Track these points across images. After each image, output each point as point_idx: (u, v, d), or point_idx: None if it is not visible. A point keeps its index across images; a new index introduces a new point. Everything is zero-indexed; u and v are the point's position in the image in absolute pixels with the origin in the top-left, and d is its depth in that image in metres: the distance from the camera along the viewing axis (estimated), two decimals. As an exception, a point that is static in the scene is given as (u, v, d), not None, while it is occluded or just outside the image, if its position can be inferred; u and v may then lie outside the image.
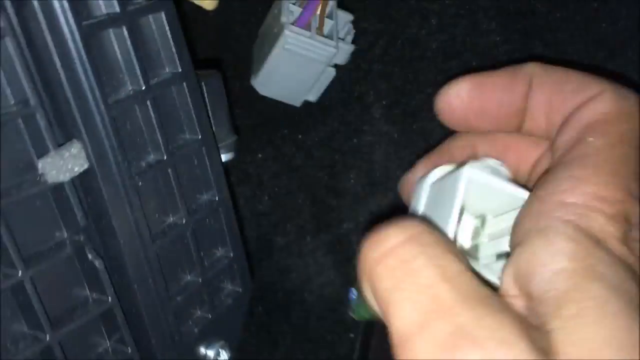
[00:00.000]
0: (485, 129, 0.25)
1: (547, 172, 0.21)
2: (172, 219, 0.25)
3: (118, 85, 0.22)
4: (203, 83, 0.28)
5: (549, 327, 0.18)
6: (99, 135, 0.21)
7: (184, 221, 0.25)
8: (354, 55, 0.38)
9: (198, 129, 0.25)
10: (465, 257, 0.19)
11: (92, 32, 0.21)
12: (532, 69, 0.24)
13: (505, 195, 0.20)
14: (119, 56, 0.22)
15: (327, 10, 0.30)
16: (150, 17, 0.23)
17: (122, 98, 0.22)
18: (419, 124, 0.40)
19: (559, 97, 0.23)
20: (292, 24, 0.29)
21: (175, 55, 0.23)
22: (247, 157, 0.39)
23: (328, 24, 0.30)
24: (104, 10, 0.21)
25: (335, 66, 0.34)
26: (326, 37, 0.30)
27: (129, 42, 0.22)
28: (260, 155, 0.40)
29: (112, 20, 0.21)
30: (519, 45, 0.40)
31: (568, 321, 0.18)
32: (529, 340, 0.17)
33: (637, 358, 0.17)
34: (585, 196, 0.20)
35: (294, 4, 0.30)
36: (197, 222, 0.25)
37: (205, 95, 0.28)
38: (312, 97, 0.34)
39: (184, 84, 0.24)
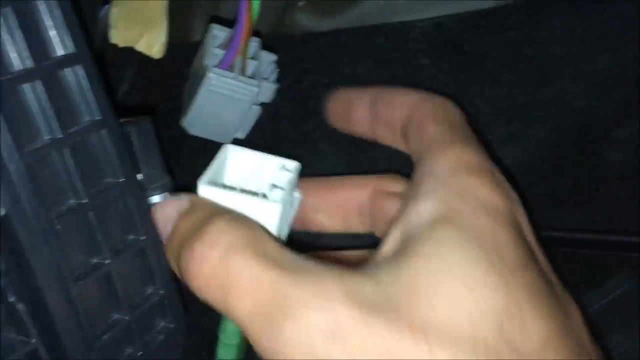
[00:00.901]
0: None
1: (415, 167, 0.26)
2: (96, 259, 0.26)
3: (34, 135, 0.23)
4: (132, 128, 0.29)
5: (402, 264, 0.20)
6: (14, 183, 0.22)
7: (108, 262, 0.26)
8: (287, 93, 0.39)
9: (121, 173, 0.26)
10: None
11: (7, 87, 0.22)
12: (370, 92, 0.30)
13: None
14: (36, 107, 0.23)
15: (250, 51, 0.32)
16: (68, 69, 0.24)
17: (38, 147, 0.23)
18: (361, 154, 0.41)
19: (390, 106, 0.29)
20: (216, 66, 0.31)
21: (94, 104, 0.25)
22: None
23: (251, 64, 0.32)
24: (19, 66, 0.23)
25: (262, 104, 0.36)
26: (249, 77, 0.31)
27: (45, 95, 0.23)
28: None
29: (28, 75, 0.23)
30: (452, 79, 0.42)
31: (420, 260, 0.20)
32: (351, 291, 0.19)
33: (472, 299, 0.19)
34: (448, 168, 0.24)
35: (217, 47, 0.32)
36: (122, 262, 0.26)
37: (136, 139, 0.30)
38: (240, 135, 0.36)
39: (104, 130, 0.25)
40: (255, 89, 0.30)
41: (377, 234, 0.30)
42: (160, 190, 0.31)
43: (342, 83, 0.44)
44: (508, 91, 0.42)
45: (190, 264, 0.22)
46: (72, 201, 0.24)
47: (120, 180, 0.26)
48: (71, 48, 0.24)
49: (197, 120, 0.31)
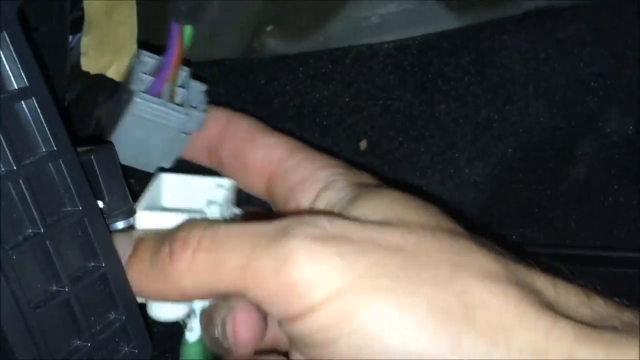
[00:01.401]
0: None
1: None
2: (55, 287, 0.26)
3: (-12, 168, 0.24)
4: (94, 156, 0.30)
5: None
6: (-33, 215, 0.22)
7: (67, 289, 0.26)
8: (255, 114, 0.40)
9: (78, 201, 0.26)
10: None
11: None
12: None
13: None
14: (-12, 141, 0.24)
15: (180, 80, 0.31)
16: (22, 102, 0.25)
17: (-7, 179, 0.23)
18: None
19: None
20: (144, 91, 0.30)
21: (50, 135, 0.25)
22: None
23: (180, 92, 0.31)
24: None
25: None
26: (178, 104, 0.31)
27: (-3, 128, 0.24)
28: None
29: (-19, 109, 0.23)
30: (417, 99, 0.43)
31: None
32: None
33: None
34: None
35: (144, 73, 0.31)
36: (82, 289, 0.27)
37: (98, 167, 0.30)
38: (166, 163, 0.34)
39: (60, 160, 0.26)
40: (183, 116, 0.30)
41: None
42: (124, 216, 0.31)
43: (310, 105, 0.45)
44: (473, 109, 0.43)
45: (171, 267, 0.25)
46: (29, 231, 0.25)
47: (79, 208, 0.26)
48: (25, 81, 0.24)
49: (120, 146, 0.31)
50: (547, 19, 0.42)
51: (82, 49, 0.45)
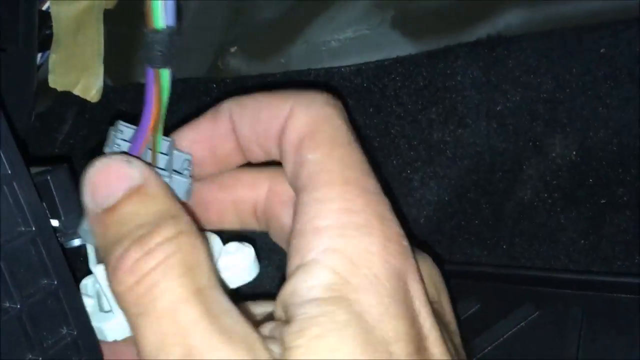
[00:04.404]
0: (214, 172, 0.27)
1: (296, 202, 0.23)
2: (7, 304, 0.27)
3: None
4: (49, 176, 0.31)
5: (293, 344, 0.20)
6: None
7: (19, 306, 0.27)
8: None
9: (32, 222, 0.28)
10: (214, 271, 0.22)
11: None
12: (228, 106, 0.26)
13: None
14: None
15: (164, 147, 0.28)
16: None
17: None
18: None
19: (259, 126, 0.25)
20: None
21: (4, 159, 0.27)
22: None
23: (163, 158, 0.27)
24: None
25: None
26: (160, 168, 0.27)
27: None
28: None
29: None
30: (372, 121, 0.45)
31: (310, 340, 0.20)
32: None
33: None
34: (333, 215, 0.22)
35: (123, 139, 0.28)
36: (34, 306, 0.28)
37: (53, 186, 0.31)
38: None
39: (14, 183, 0.27)
40: (165, 180, 0.26)
41: (272, 237, 0.29)
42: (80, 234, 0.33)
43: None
44: (427, 132, 0.45)
45: (119, 267, 0.22)
46: (-18, 251, 0.26)
47: (32, 229, 0.28)
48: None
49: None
50: (498, 47, 0.44)
51: (50, 66, 0.47)
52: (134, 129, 0.27)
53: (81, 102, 0.49)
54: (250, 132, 0.26)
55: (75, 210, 0.32)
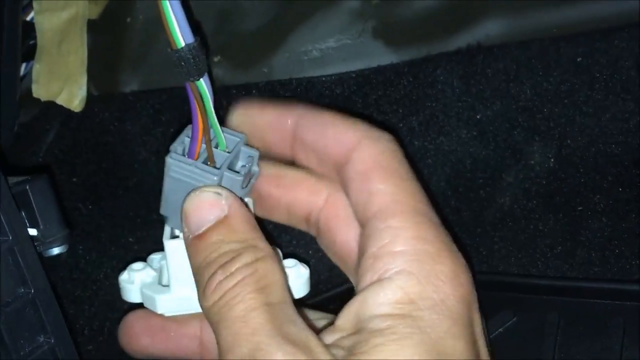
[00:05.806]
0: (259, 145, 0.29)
1: (367, 226, 0.26)
2: (-16, 312, 0.28)
3: None
4: (28, 186, 0.32)
5: (355, 351, 0.23)
6: None
7: (-4, 314, 0.28)
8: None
9: (9, 231, 0.28)
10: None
11: None
12: (300, 109, 0.29)
13: None
14: None
15: (229, 146, 0.29)
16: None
17: None
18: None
19: (321, 140, 0.28)
20: (183, 152, 0.29)
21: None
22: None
23: (222, 155, 0.29)
24: None
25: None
26: (215, 167, 0.28)
27: None
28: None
29: None
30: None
31: (372, 348, 0.23)
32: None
33: None
34: (408, 241, 0.25)
35: (188, 136, 0.29)
36: (11, 314, 0.28)
37: (32, 196, 0.32)
38: None
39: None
40: (214, 178, 0.27)
41: (320, 244, 0.30)
42: (60, 242, 0.33)
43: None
44: (408, 140, 0.45)
45: (207, 288, 0.25)
46: (-42, 260, 0.26)
47: (9, 238, 0.28)
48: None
49: (167, 206, 0.29)
50: (477, 56, 0.44)
51: (34, 76, 0.47)
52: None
53: (65, 111, 0.49)
54: (312, 139, 0.28)
55: (54, 219, 0.32)
